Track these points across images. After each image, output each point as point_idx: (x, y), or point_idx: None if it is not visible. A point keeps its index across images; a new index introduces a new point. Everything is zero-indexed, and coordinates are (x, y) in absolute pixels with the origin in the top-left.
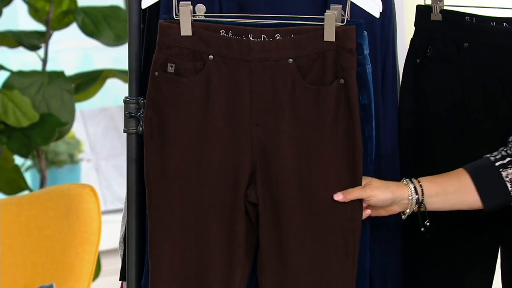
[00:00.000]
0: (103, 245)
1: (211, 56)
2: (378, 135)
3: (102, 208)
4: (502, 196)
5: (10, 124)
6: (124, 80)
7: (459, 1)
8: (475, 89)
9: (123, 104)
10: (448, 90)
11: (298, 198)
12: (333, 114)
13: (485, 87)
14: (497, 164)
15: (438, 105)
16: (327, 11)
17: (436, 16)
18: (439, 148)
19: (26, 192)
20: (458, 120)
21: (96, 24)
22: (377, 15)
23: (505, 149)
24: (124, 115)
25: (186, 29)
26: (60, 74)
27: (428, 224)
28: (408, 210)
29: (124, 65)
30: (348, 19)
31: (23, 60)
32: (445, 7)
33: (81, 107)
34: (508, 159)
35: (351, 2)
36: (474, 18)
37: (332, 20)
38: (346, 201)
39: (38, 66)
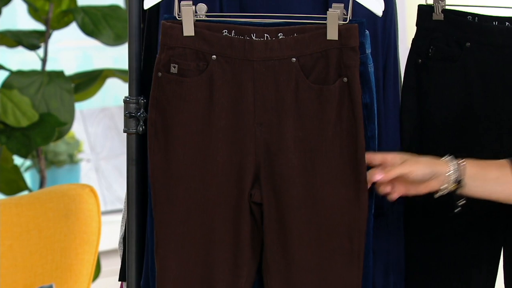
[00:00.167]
0: (103, 246)
1: (214, 56)
2: (380, 135)
3: (102, 208)
4: None
5: (9, 124)
6: (124, 80)
7: (461, 1)
8: (477, 89)
9: (123, 104)
10: (450, 90)
11: (303, 198)
12: (336, 112)
13: (487, 87)
14: None
15: (440, 105)
16: (329, 9)
17: (438, 15)
18: (441, 148)
19: (25, 193)
20: (460, 120)
21: (95, 24)
22: (380, 14)
23: None
24: (124, 115)
25: (188, 29)
26: (59, 74)
27: (461, 203)
28: (445, 186)
29: (124, 64)
30: (350, 18)
31: (23, 59)
32: (447, 7)
33: (81, 107)
34: None
35: (354, 1)
36: (476, 18)
37: (334, 19)
38: (387, 179)
39: (37, 66)
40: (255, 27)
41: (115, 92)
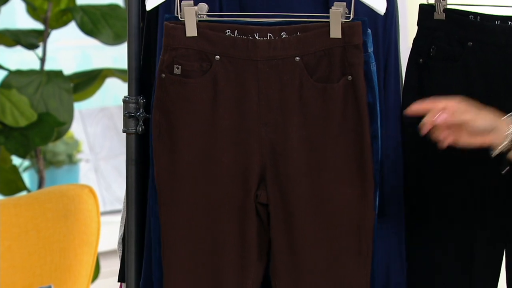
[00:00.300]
0: (102, 247)
1: (217, 57)
2: (381, 135)
3: (101, 209)
4: None
5: (7, 123)
6: (124, 80)
7: (462, 0)
8: (479, 88)
9: (122, 103)
10: (451, 90)
11: (309, 197)
12: (341, 111)
13: (490, 87)
14: None
15: None
16: (332, 7)
17: (439, 15)
18: (443, 148)
19: (24, 193)
20: None
21: (95, 23)
22: (382, 12)
23: None
24: (124, 115)
25: (191, 30)
26: (58, 73)
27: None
28: (503, 143)
29: (123, 64)
30: (352, 16)
31: (21, 59)
32: (448, 6)
33: (80, 107)
34: None
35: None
36: (478, 17)
37: (337, 17)
38: (450, 123)
39: (36, 65)
40: (258, 26)
41: (115, 91)
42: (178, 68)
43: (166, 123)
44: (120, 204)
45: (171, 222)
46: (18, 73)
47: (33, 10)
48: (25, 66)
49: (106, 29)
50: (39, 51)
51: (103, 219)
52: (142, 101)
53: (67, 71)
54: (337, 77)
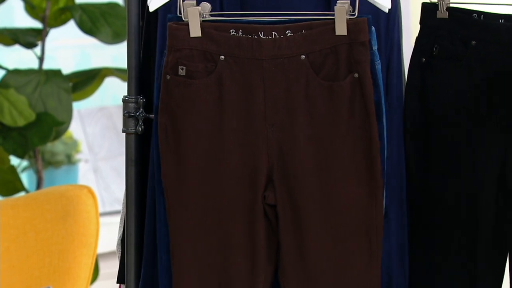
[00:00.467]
0: (101, 248)
1: (222, 57)
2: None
3: (100, 210)
4: None
5: (6, 123)
6: (123, 79)
7: None
8: (482, 88)
9: (121, 103)
10: (455, 89)
11: (318, 197)
12: (348, 109)
13: (493, 86)
14: None
15: (444, 104)
16: (337, 4)
17: (442, 13)
18: (446, 147)
19: (22, 194)
20: (465, 120)
21: (94, 21)
22: (387, 9)
23: None
24: (123, 115)
25: (195, 30)
26: (57, 73)
27: None
28: None
29: (122, 63)
30: (356, 14)
31: (19, 58)
32: (451, 4)
33: (79, 106)
34: None
35: None
36: (482, 16)
37: (342, 13)
38: None
39: (34, 64)
40: (263, 25)
41: (114, 91)
42: (182, 69)
43: (171, 126)
44: (119, 205)
45: (179, 226)
46: (16, 72)
47: (31, 9)
48: (23, 65)
49: (105, 27)
50: (38, 50)
51: (102, 220)
52: (141, 100)
53: (66, 70)
54: (343, 74)
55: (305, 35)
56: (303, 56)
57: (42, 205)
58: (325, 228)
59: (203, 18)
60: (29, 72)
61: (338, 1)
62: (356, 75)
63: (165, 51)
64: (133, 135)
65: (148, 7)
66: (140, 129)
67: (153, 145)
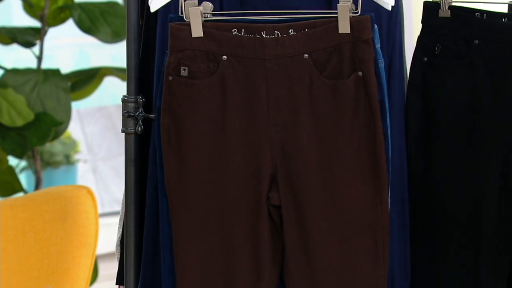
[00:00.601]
0: (101, 249)
1: (224, 57)
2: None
3: (100, 210)
4: None
5: (4, 123)
6: (122, 78)
7: None
8: (485, 87)
9: (121, 103)
10: (457, 88)
11: (322, 198)
12: (352, 107)
13: (496, 85)
14: None
15: (446, 104)
16: (340, 1)
17: (444, 12)
18: (448, 147)
19: (20, 194)
20: (468, 120)
21: (93, 20)
22: (390, 7)
23: None
24: (122, 115)
25: (197, 30)
26: (55, 72)
27: None
28: None
29: (122, 62)
30: (359, 12)
31: (18, 57)
32: (453, 3)
33: (78, 106)
34: None
35: None
36: (485, 14)
37: (345, 11)
38: None
39: (33, 64)
40: (265, 24)
41: (113, 90)
42: (184, 70)
43: (174, 126)
44: (118, 206)
45: (182, 226)
46: (15, 71)
47: (29, 7)
48: (21, 65)
49: (104, 26)
50: (36, 49)
51: (101, 220)
52: (141, 100)
53: (65, 69)
54: (347, 73)
55: (308, 34)
56: (306, 55)
57: (40, 205)
58: (330, 228)
59: (205, 18)
60: (27, 71)
61: (339, 1)
62: (360, 73)
63: (166, 51)
64: (132, 135)
65: (147, 6)
66: (139, 129)
67: (153, 145)
